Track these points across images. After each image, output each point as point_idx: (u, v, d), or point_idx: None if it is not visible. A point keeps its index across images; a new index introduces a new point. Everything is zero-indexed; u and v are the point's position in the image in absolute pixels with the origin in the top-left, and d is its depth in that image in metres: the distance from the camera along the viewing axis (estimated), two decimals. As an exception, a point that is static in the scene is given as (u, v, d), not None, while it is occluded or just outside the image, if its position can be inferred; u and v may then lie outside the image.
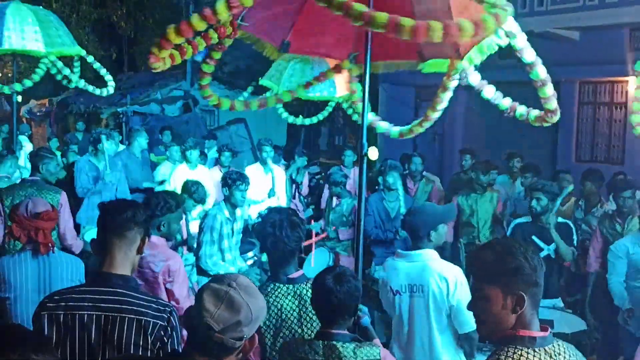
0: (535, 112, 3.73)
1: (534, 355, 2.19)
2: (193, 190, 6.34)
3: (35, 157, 6.13)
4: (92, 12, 20.39)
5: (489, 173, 7.40)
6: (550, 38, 10.25)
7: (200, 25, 2.96)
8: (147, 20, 20.98)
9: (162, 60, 3.19)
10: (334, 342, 2.90)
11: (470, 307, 2.34)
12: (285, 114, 9.18)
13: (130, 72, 20.66)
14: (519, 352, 2.19)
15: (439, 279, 3.80)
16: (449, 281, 3.78)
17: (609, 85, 10.84)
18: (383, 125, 4.71)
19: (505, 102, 3.97)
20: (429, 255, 3.92)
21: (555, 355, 2.24)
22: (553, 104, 3.56)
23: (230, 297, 2.06)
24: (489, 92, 3.96)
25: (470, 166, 8.76)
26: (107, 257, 2.85)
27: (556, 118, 3.61)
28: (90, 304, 2.75)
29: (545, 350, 2.23)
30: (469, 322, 3.73)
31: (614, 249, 5.66)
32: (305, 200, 9.27)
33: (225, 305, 2.05)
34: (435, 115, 4.15)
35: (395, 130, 4.67)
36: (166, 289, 4.09)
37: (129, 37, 21.88)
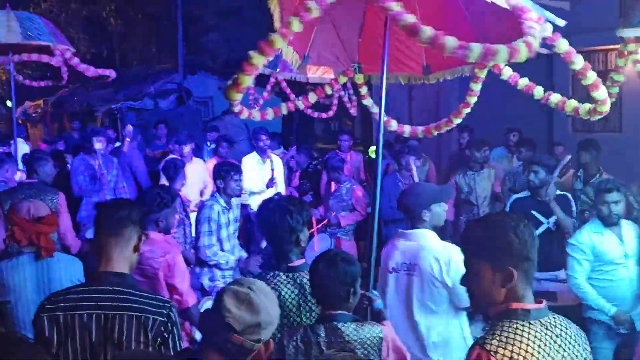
0: (586, 106, 3.63)
1: (529, 328, 2.20)
2: None
3: (31, 160, 6.11)
4: (81, 10, 20.31)
5: (482, 150, 7.41)
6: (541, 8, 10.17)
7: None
8: (137, 15, 20.89)
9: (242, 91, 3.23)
10: (335, 323, 2.92)
11: (462, 281, 2.39)
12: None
13: (122, 69, 20.60)
14: (514, 326, 2.20)
15: (433, 258, 3.80)
16: (443, 261, 3.78)
17: (602, 53, 10.77)
18: (406, 129, 4.72)
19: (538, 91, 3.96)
20: (425, 235, 3.92)
21: (552, 327, 2.24)
22: (602, 93, 3.46)
23: (251, 299, 2.11)
24: (523, 83, 3.90)
25: (466, 144, 8.76)
26: (104, 256, 2.87)
27: (606, 108, 3.49)
28: (89, 303, 2.77)
29: (540, 322, 2.23)
30: (466, 299, 3.74)
31: (575, 242, 5.07)
32: (303, 187, 9.25)
33: (246, 306, 2.10)
34: (467, 110, 4.09)
35: (420, 130, 4.69)
36: (168, 284, 4.10)
37: (120, 34, 21.79)
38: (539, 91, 4.00)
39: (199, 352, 2.20)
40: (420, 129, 4.83)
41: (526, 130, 8.84)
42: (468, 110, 3.98)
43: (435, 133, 4.73)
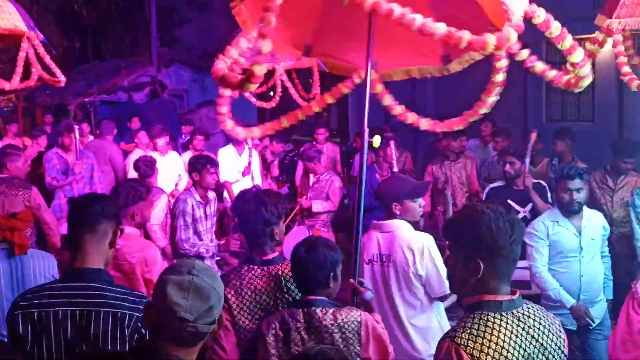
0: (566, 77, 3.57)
1: (500, 319, 2.21)
2: None
3: (1, 155, 6.01)
4: (53, 3, 19.98)
5: (457, 139, 7.45)
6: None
7: None
8: (110, 8, 20.63)
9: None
10: (313, 308, 2.92)
11: (445, 263, 2.43)
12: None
13: (95, 62, 20.35)
14: (485, 318, 2.21)
15: (407, 248, 3.82)
16: (417, 250, 3.81)
17: (578, 42, 10.90)
18: (413, 116, 4.49)
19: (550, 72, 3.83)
20: (398, 225, 3.94)
21: (524, 318, 2.25)
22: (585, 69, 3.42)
23: (196, 285, 2.02)
24: (540, 67, 3.77)
25: (442, 134, 8.80)
26: (79, 252, 2.82)
27: (586, 82, 3.46)
28: (64, 300, 2.72)
29: (513, 313, 2.24)
30: (439, 287, 3.81)
31: (532, 230, 4.82)
32: (280, 178, 9.23)
33: (194, 294, 2.01)
34: (492, 99, 3.90)
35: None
36: (145, 279, 4.06)
37: (93, 27, 21.51)
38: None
39: (151, 345, 2.10)
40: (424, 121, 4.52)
41: (501, 120, 8.90)
42: (493, 99, 3.79)
43: (461, 127, 4.45)
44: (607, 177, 6.21)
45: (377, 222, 4.06)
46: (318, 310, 2.92)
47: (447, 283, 3.79)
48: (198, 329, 2.03)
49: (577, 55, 3.16)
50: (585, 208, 4.80)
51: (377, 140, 6.80)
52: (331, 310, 2.93)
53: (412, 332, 3.88)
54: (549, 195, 5.90)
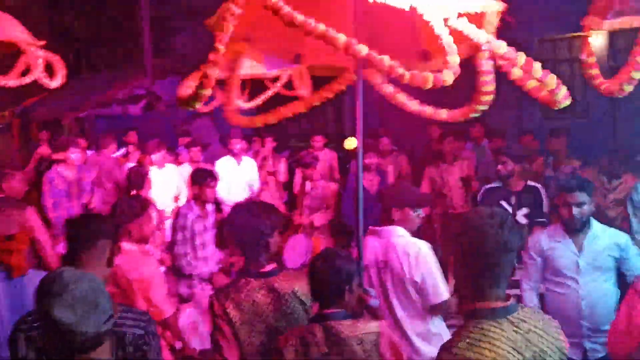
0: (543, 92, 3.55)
1: (496, 327, 2.21)
2: None
3: None
4: (45, 15, 19.93)
5: (451, 143, 7.47)
6: (505, -1, 10.26)
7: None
8: (101, 19, 20.59)
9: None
10: (330, 322, 2.92)
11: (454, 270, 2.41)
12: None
13: (89, 73, 20.32)
14: (480, 326, 2.22)
15: (403, 254, 3.83)
16: (413, 256, 3.81)
17: (567, 41, 10.91)
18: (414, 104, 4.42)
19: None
20: (395, 232, 3.95)
21: (519, 323, 2.25)
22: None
23: (76, 297, 2.06)
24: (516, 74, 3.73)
25: (438, 136, 8.82)
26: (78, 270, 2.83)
27: (566, 103, 3.42)
28: None
29: (508, 319, 2.24)
30: (434, 295, 3.80)
31: (528, 245, 4.46)
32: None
33: (80, 306, 2.05)
34: (487, 98, 3.85)
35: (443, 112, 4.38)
36: (143, 296, 4.07)
37: (86, 39, 21.49)
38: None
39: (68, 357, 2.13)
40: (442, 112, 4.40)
41: (495, 119, 8.90)
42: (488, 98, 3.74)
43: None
44: (602, 178, 6.23)
45: (374, 227, 4.07)
46: (334, 323, 2.91)
47: (442, 291, 3.82)
48: (100, 331, 2.08)
49: (551, 82, 3.17)
50: (595, 224, 4.25)
51: (350, 143, 6.74)
52: (349, 323, 2.92)
53: (413, 337, 3.88)
54: (544, 198, 5.85)
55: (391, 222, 4.00)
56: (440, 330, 3.92)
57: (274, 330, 3.22)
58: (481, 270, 2.26)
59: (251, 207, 3.43)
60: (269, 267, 3.34)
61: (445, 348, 2.23)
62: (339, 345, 2.87)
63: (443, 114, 4.17)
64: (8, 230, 3.96)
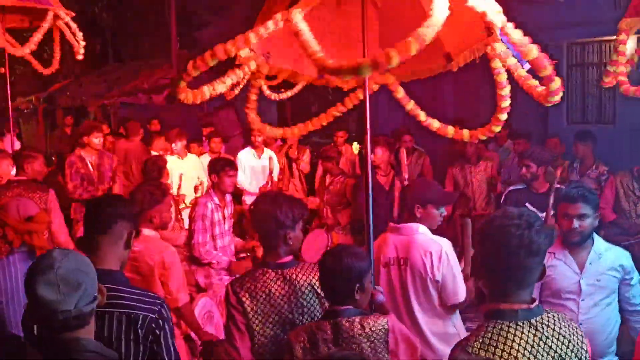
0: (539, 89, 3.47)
1: (515, 329, 2.18)
2: None
3: (19, 157, 6.01)
4: (73, 5, 20.13)
5: (474, 144, 7.40)
6: (536, 1, 10.16)
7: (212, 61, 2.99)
8: (129, 10, 20.77)
9: (186, 93, 3.26)
10: (340, 319, 2.89)
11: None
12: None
13: (115, 64, 20.51)
14: (499, 327, 2.19)
15: (424, 253, 3.77)
16: (435, 255, 3.75)
17: (597, 45, 10.76)
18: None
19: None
20: (416, 229, 3.89)
21: (542, 327, 2.21)
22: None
23: (62, 276, 2.11)
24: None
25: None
26: (95, 253, 2.84)
27: (557, 98, 3.36)
28: None
29: (530, 322, 2.21)
30: (454, 294, 3.77)
31: None
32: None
33: (64, 286, 2.10)
34: (506, 103, 3.78)
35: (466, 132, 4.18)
36: (161, 281, 4.07)
37: (113, 29, 21.69)
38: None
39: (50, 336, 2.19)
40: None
41: (521, 122, 8.81)
42: (507, 102, 3.65)
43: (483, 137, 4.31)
44: (634, 184, 6.12)
45: (395, 224, 4.02)
46: (344, 321, 2.88)
47: (462, 291, 3.78)
48: (82, 311, 2.13)
49: (547, 70, 3.08)
50: (598, 240, 3.85)
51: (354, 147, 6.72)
52: (357, 319, 2.89)
53: (430, 336, 3.83)
54: None
55: (412, 219, 3.95)
56: (460, 332, 3.86)
57: (288, 322, 3.20)
58: (505, 271, 2.22)
59: (276, 197, 3.40)
60: (287, 259, 3.31)
61: (461, 346, 2.21)
62: (348, 342, 2.85)
63: (465, 133, 4.13)
64: (27, 211, 3.98)
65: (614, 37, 4.46)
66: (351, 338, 2.85)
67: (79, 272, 2.15)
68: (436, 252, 3.76)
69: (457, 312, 3.95)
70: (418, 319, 3.84)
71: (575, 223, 3.71)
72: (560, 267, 3.81)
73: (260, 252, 5.75)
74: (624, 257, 3.81)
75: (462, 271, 3.83)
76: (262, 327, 3.19)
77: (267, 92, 7.52)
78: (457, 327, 3.90)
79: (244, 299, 3.18)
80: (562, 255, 3.81)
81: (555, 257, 3.82)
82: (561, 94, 3.10)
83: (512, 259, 2.19)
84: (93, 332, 2.26)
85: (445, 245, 3.81)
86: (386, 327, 2.91)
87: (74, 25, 6.23)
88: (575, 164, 7.06)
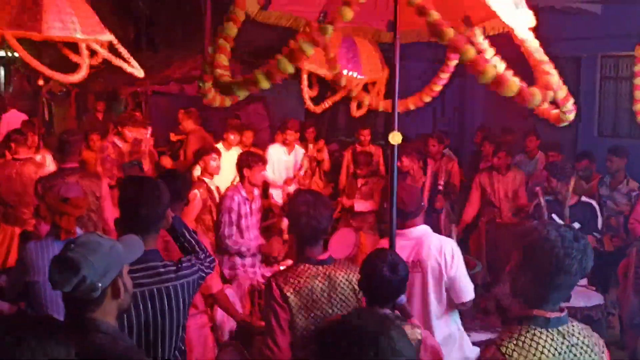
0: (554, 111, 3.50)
1: (546, 335, 2.26)
2: None
3: (70, 143, 5.80)
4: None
5: (498, 156, 7.37)
6: (571, 13, 10.09)
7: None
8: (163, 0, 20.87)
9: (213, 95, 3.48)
10: None
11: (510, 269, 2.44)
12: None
13: (149, 52, 20.65)
14: (532, 332, 2.27)
15: (437, 252, 3.86)
16: (447, 254, 3.85)
17: (631, 59, 10.67)
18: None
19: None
20: (424, 231, 3.98)
21: (569, 336, 2.30)
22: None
23: (67, 258, 2.20)
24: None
25: (480, 143, 8.76)
26: (138, 234, 2.90)
27: (570, 117, 3.40)
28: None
29: (558, 330, 2.29)
30: (466, 292, 3.87)
31: None
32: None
33: (64, 268, 2.19)
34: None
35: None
36: None
37: (147, 17, 21.82)
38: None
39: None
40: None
41: (551, 134, 8.77)
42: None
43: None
44: None
45: (400, 230, 3.96)
46: None
47: (471, 289, 3.89)
48: (77, 297, 2.21)
49: (562, 92, 3.13)
50: None
51: (395, 137, 6.71)
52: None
53: (441, 338, 3.87)
54: (599, 217, 5.77)
55: (412, 223, 4.00)
56: (462, 334, 3.98)
57: (328, 317, 3.27)
58: (544, 279, 2.28)
59: (316, 197, 3.48)
60: (325, 255, 3.41)
61: (495, 344, 2.27)
62: None
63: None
64: (66, 194, 4.06)
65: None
66: None
67: (83, 259, 2.20)
68: (449, 252, 3.87)
69: (458, 315, 4.02)
70: (434, 321, 3.90)
71: None
72: None
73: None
74: None
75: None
76: (306, 322, 3.26)
77: (308, 102, 7.55)
78: (460, 329, 3.99)
79: (288, 293, 3.25)
80: None
81: None
82: (574, 113, 3.17)
83: (562, 274, 2.26)
84: (113, 314, 2.34)
85: (454, 244, 3.94)
86: (419, 337, 3.00)
87: (124, 51, 6.30)
88: (607, 178, 7.02)
